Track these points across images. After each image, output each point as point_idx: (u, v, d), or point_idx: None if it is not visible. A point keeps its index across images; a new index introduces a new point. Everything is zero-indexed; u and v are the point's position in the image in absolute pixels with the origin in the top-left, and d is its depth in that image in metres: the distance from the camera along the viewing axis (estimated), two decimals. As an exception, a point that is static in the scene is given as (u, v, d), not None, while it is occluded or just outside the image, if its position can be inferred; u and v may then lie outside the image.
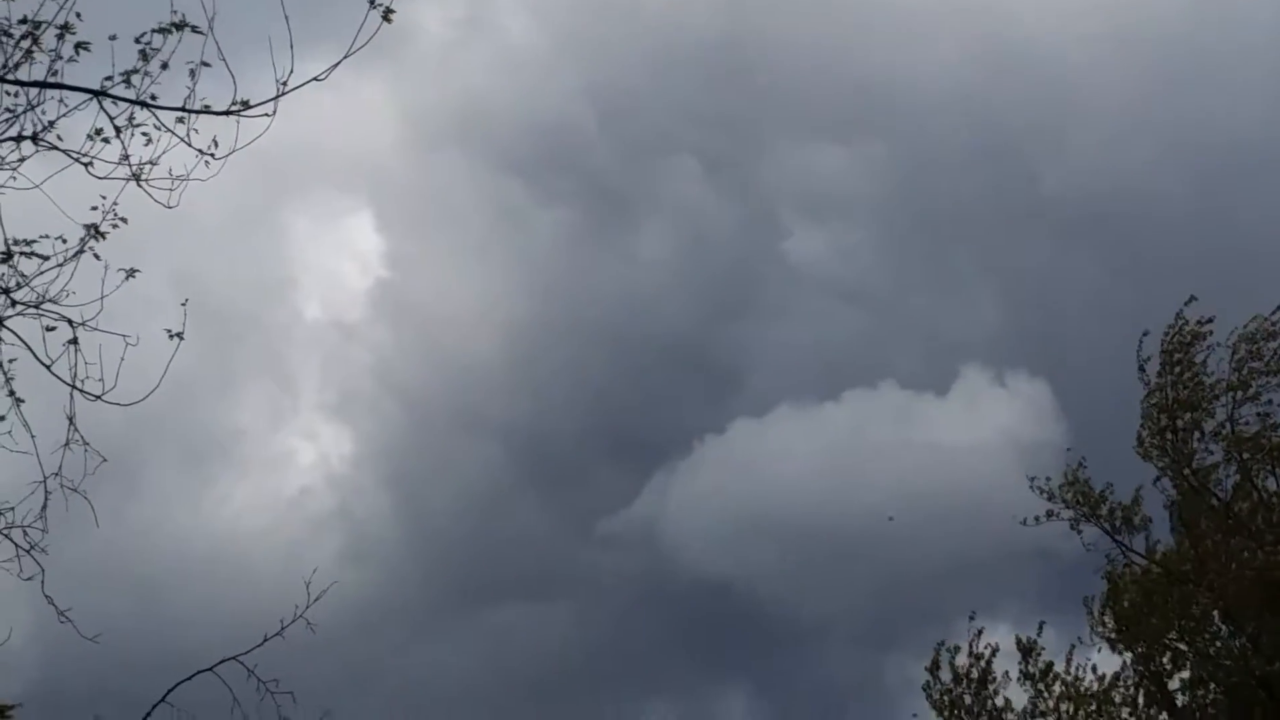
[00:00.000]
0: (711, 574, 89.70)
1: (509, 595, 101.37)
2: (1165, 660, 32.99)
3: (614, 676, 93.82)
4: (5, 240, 11.40)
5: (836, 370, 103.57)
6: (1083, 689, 33.42)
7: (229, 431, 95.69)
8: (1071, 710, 33.24)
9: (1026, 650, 33.93)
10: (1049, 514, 32.77)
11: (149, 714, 12.92)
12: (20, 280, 11.41)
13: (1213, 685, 32.44)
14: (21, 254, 11.39)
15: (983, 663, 34.13)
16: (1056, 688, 33.46)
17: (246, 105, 11.31)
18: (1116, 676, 33.44)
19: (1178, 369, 32.17)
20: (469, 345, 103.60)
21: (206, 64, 11.27)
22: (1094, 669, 33.55)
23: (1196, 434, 32.08)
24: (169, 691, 12.81)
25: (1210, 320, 32.30)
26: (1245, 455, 31.82)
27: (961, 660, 34.21)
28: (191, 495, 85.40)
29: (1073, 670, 33.69)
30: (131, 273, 11.35)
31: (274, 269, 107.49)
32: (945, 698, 33.92)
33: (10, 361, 11.44)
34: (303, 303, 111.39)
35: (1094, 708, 33.23)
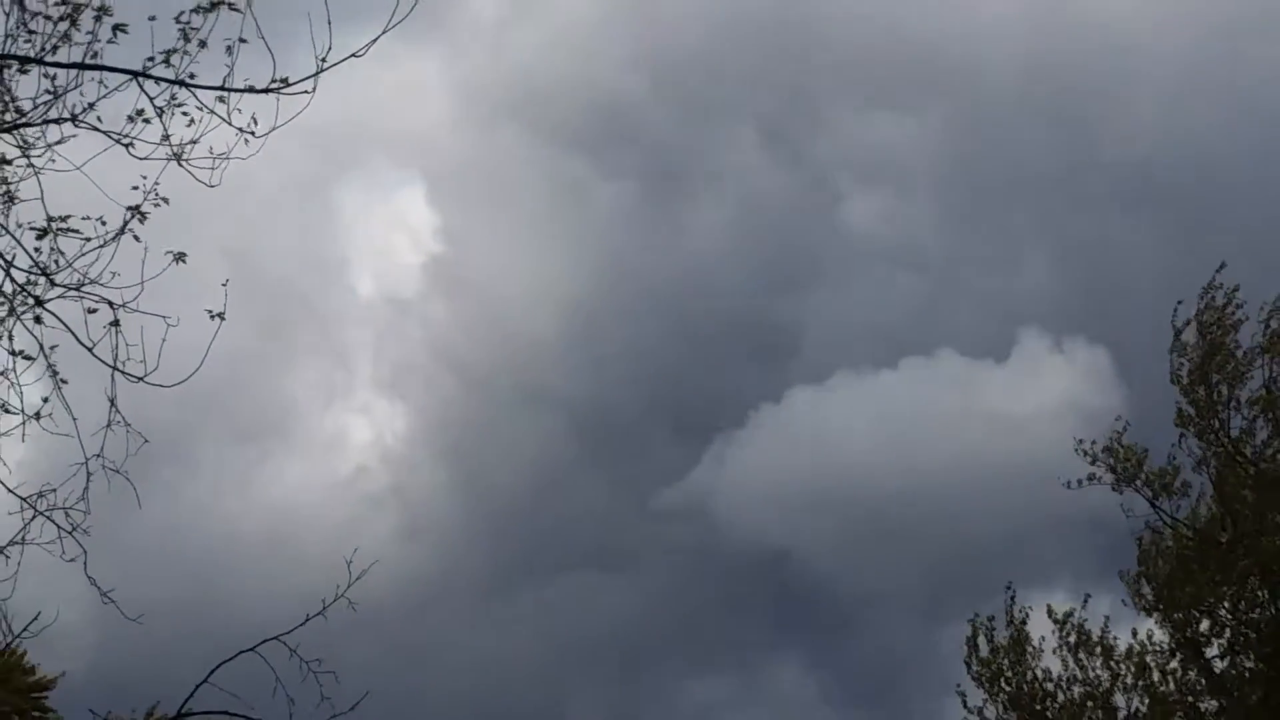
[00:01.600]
0: (766, 545, 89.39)
1: (565, 570, 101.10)
2: (1202, 627, 32.90)
3: (668, 650, 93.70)
4: (45, 218, 11.40)
5: (894, 338, 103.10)
6: (1118, 654, 33.34)
7: (282, 409, 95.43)
8: (1109, 677, 33.17)
9: (1062, 621, 33.85)
10: (1091, 477, 32.97)
11: (192, 694, 12.91)
12: (60, 261, 11.39)
13: (1252, 653, 32.36)
14: (59, 231, 11.37)
15: (1019, 633, 34.05)
16: (1097, 657, 33.36)
17: (286, 83, 11.26)
18: (1150, 638, 33.34)
19: (1212, 336, 32.20)
20: (525, 320, 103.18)
21: (244, 40, 11.23)
22: (1133, 633, 33.49)
23: (1233, 402, 32.13)
24: (211, 672, 12.82)
25: (1236, 289, 32.32)
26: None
27: (1000, 632, 34.14)
28: (244, 474, 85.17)
29: (1109, 639, 33.58)
30: (180, 257, 11.31)
31: (327, 245, 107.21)
32: (984, 670, 33.85)
33: (53, 348, 11.43)
34: (356, 279, 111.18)
35: (1131, 671, 33.14)
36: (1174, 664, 33.13)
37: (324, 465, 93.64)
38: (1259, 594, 32.44)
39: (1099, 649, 33.44)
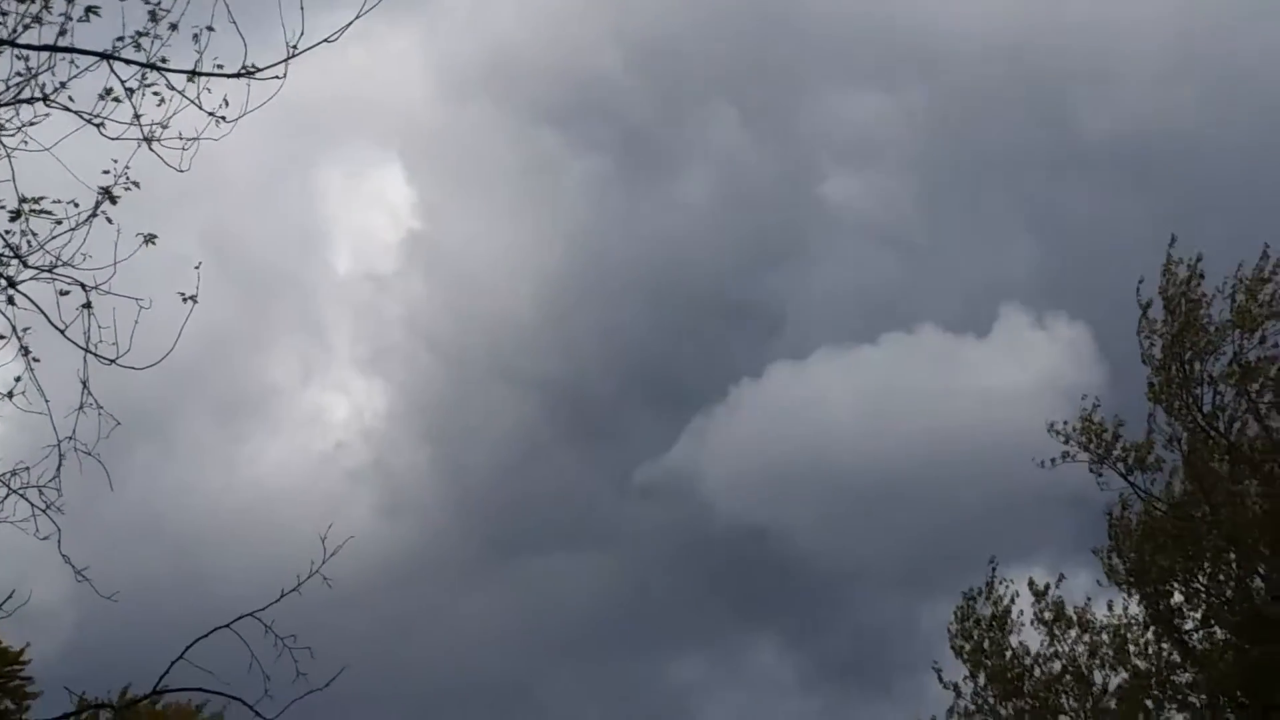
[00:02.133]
0: (747, 521, 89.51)
1: (545, 547, 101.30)
2: (1176, 600, 33.11)
3: (648, 626, 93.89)
4: (17, 199, 11.44)
5: (875, 314, 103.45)
6: (1097, 626, 33.58)
7: (262, 388, 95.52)
8: (1086, 650, 33.38)
9: (1040, 594, 34.08)
10: (1064, 455, 33.19)
11: (166, 671, 12.98)
12: (33, 243, 11.44)
13: (1224, 626, 32.58)
14: (31, 212, 11.41)
15: (1000, 608, 34.27)
16: (1072, 632, 33.58)
17: (255, 69, 11.30)
18: (1125, 611, 33.58)
19: (1179, 314, 32.35)
20: (502, 296, 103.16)
21: (211, 29, 11.27)
22: (1109, 606, 33.75)
23: (1206, 376, 32.29)
24: (186, 649, 12.86)
25: (1199, 259, 32.48)
26: (1252, 390, 32.00)
27: (981, 606, 34.39)
28: (224, 453, 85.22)
29: (1087, 613, 33.82)
30: (150, 239, 11.36)
31: (306, 223, 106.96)
32: (965, 644, 34.07)
33: (25, 330, 11.47)
34: (334, 256, 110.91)
35: (1107, 641, 33.35)
36: (1148, 636, 33.36)
37: (303, 442, 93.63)
38: (1231, 567, 32.64)
39: (1075, 624, 33.66)
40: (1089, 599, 34.08)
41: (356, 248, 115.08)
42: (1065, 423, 33.48)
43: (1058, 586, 34.28)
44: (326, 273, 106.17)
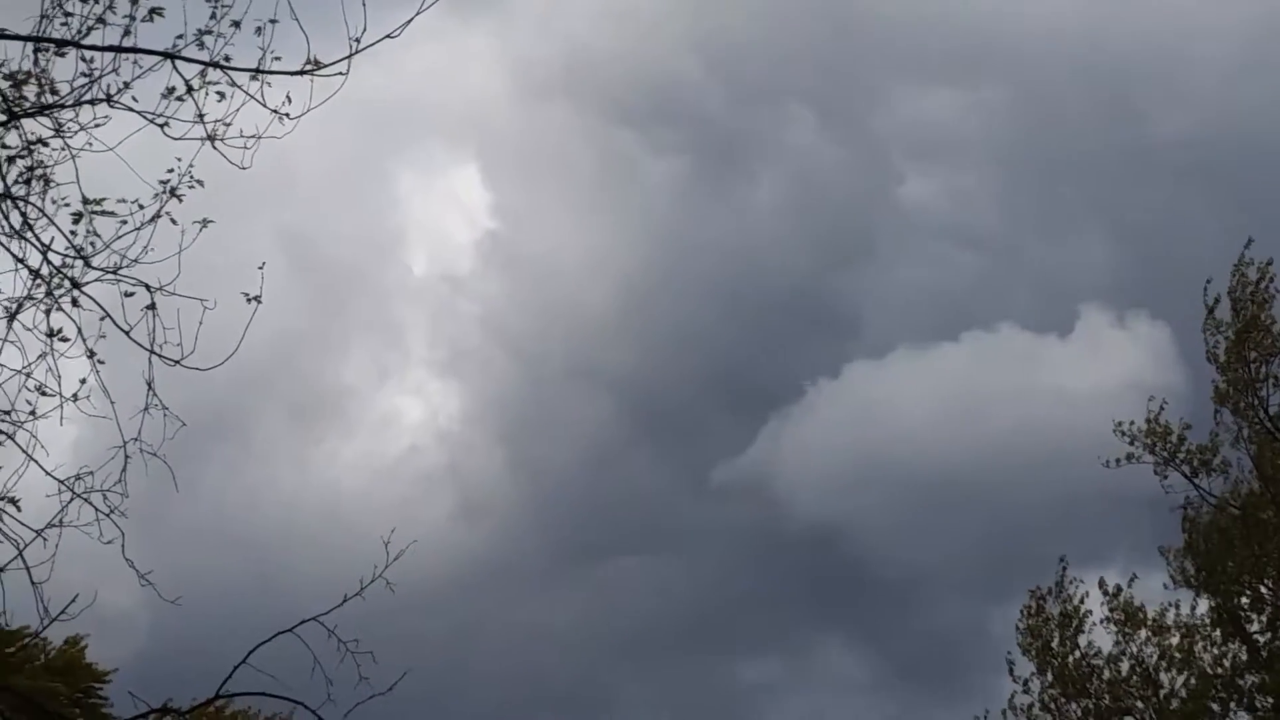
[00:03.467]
0: (822, 521, 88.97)
1: (620, 549, 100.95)
2: (1244, 602, 32.87)
3: (720, 628, 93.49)
4: (81, 200, 11.43)
5: (953, 313, 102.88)
6: (1165, 625, 33.35)
7: (336, 390, 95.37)
8: (1156, 652, 33.15)
9: (1112, 595, 33.87)
10: (1129, 457, 33.04)
11: (229, 676, 12.93)
12: (97, 244, 11.41)
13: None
14: (94, 213, 11.39)
15: (1069, 607, 34.08)
16: (1142, 633, 33.35)
17: (319, 65, 11.24)
18: (1194, 611, 33.34)
19: (1246, 314, 32.17)
20: (579, 297, 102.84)
21: (274, 20, 11.22)
22: (1175, 606, 33.53)
23: (1270, 378, 32.09)
24: (249, 653, 12.81)
25: (1270, 263, 32.27)
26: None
27: (1051, 605, 34.22)
28: (298, 455, 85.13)
29: (1156, 613, 33.60)
30: (206, 223, 11.31)
31: (381, 224, 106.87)
32: (1034, 641, 33.87)
33: (101, 337, 11.44)
34: (410, 257, 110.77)
35: (1175, 644, 33.12)
36: (1215, 636, 33.12)
37: (378, 445, 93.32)
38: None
39: (1145, 624, 33.43)
40: (1163, 604, 33.82)
41: (432, 249, 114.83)
42: (1131, 423, 33.34)
43: (1130, 586, 34.05)
44: (402, 274, 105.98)
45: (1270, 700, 32.31)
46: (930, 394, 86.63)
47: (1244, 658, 32.81)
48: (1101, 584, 34.13)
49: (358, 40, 11.09)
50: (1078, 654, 33.64)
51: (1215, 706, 32.61)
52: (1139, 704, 33.01)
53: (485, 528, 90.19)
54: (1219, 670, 32.79)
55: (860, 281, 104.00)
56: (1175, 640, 33.16)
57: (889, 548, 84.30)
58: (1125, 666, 33.37)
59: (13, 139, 11.43)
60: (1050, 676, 33.60)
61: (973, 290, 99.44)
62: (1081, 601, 34.19)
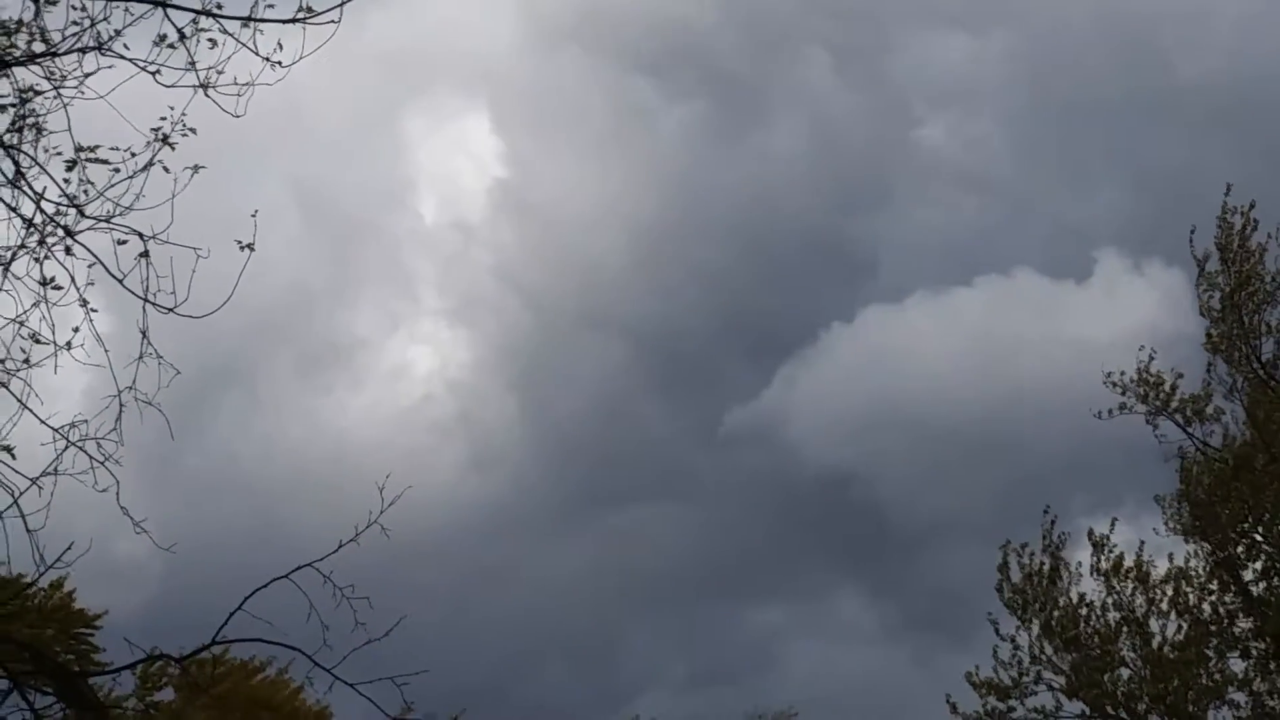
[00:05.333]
0: (835, 468, 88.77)
1: (633, 497, 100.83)
2: (1239, 550, 32.88)
3: (733, 575, 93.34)
4: (74, 149, 11.43)
5: (970, 258, 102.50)
6: (1153, 578, 33.31)
7: (348, 339, 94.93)
8: (1145, 601, 33.13)
9: (1099, 544, 33.80)
10: (1121, 407, 33.00)
11: (225, 623, 12.99)
12: (90, 192, 11.42)
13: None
14: (89, 161, 11.40)
15: (1051, 560, 33.98)
16: (1129, 583, 33.33)
17: (311, 12, 11.24)
18: (1187, 562, 33.29)
19: (1236, 261, 32.08)
20: (594, 244, 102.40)
21: (267, -33, 11.21)
22: (1170, 558, 33.47)
23: (1263, 326, 32.03)
24: (244, 600, 12.87)
25: (1252, 206, 32.17)
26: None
27: (1033, 559, 34.04)
28: (309, 405, 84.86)
29: (1144, 563, 33.56)
30: (197, 168, 11.32)
31: (391, 172, 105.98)
32: (1017, 597, 33.82)
33: (89, 284, 11.46)
34: (421, 206, 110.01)
35: (1169, 594, 33.08)
36: (1212, 586, 33.12)
37: (389, 395, 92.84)
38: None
39: (1134, 574, 33.43)
40: (1143, 543, 33.72)
41: (443, 197, 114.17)
42: (1122, 373, 33.28)
43: (1112, 530, 33.91)
44: (413, 222, 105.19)
45: (1264, 646, 32.38)
46: (947, 339, 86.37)
47: (1238, 606, 32.84)
48: (1091, 535, 34.05)
49: (348, -13, 11.10)
50: (1062, 603, 33.54)
51: (1210, 653, 32.64)
52: (1131, 652, 33.03)
53: (497, 477, 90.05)
54: (1214, 617, 32.82)
55: (876, 226, 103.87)
56: (1169, 593, 33.12)
57: (903, 495, 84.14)
58: (1113, 617, 33.32)
59: (4, 87, 11.46)
60: (1037, 629, 33.54)
61: (989, 235, 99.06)
62: (1060, 547, 33.98)
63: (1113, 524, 33.99)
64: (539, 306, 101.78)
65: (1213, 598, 32.97)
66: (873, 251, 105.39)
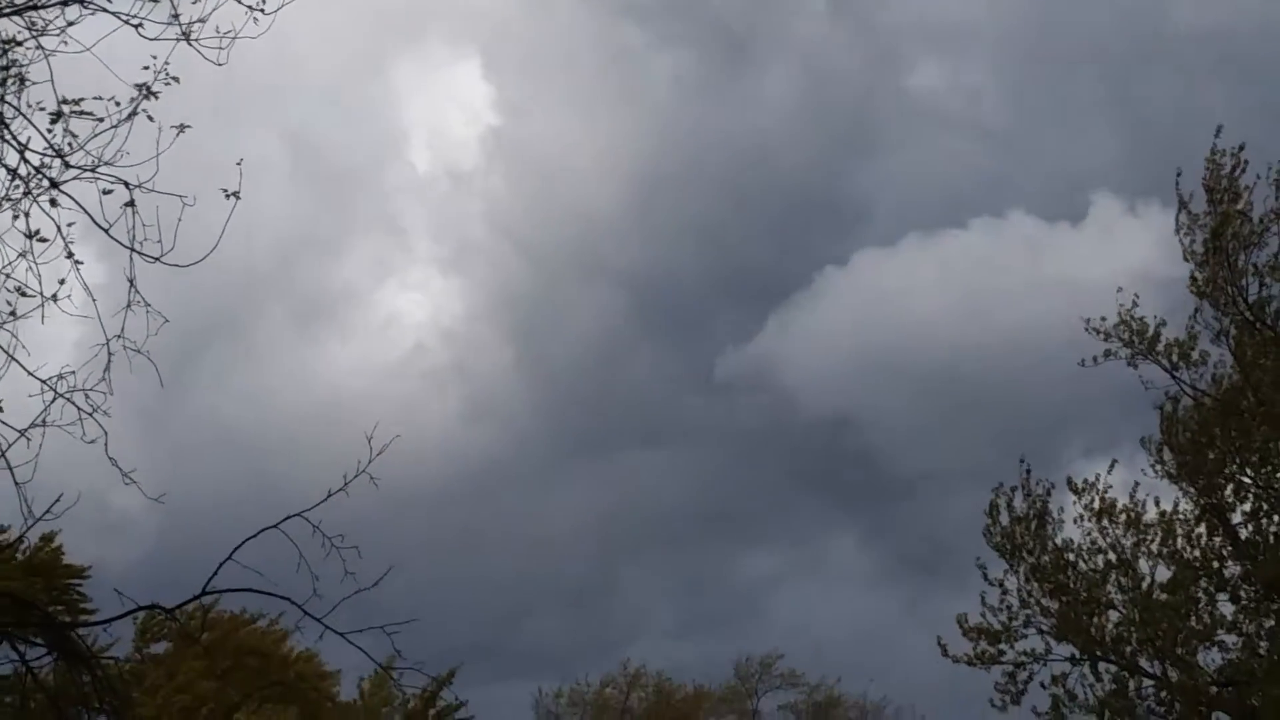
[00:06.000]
0: (829, 413, 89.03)
1: (628, 444, 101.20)
2: (1227, 493, 32.90)
3: (726, 522, 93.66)
4: (56, 101, 11.40)
5: (964, 201, 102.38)
6: (1144, 521, 33.32)
7: (341, 288, 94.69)
8: (1134, 542, 33.17)
9: (1080, 490, 33.80)
10: (1106, 354, 32.87)
11: (215, 573, 13.02)
12: (74, 143, 11.39)
13: (1276, 518, 32.43)
14: (73, 113, 11.38)
15: (1039, 504, 34.02)
16: (1119, 523, 33.32)
17: (291, -39, 11.22)
18: (1175, 508, 33.31)
19: (1223, 202, 31.95)
20: (587, 192, 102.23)
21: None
22: (1156, 502, 33.48)
23: (1250, 268, 31.93)
24: (234, 550, 12.90)
25: (1241, 148, 32.02)
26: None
27: (1020, 503, 34.09)
28: (301, 356, 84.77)
29: (1135, 505, 33.59)
30: (183, 128, 11.30)
31: (382, 122, 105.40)
32: (1005, 541, 33.87)
33: (69, 224, 11.44)
34: (413, 154, 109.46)
35: (1158, 538, 33.13)
36: (1199, 530, 33.15)
37: (381, 345, 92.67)
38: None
39: (1123, 516, 33.47)
40: (1136, 484, 33.65)
41: (434, 146, 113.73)
42: (1103, 319, 33.10)
43: (1110, 473, 33.91)
44: (405, 171, 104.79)
45: (1255, 590, 32.47)
46: (940, 282, 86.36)
47: (1227, 549, 32.89)
48: (1070, 481, 34.07)
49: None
50: (1050, 548, 33.60)
51: (1200, 595, 32.72)
52: (1118, 595, 33.14)
53: (491, 426, 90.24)
54: (1200, 559, 32.88)
55: (870, 170, 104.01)
56: (1157, 536, 33.17)
57: (897, 440, 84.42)
58: (1101, 560, 33.38)
59: (-12, 38, 11.41)
60: (1024, 575, 33.63)
61: (983, 179, 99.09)
62: (1048, 494, 34.03)
63: (1111, 465, 34.04)
64: (532, 255, 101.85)
65: (1202, 542, 33.02)
66: (866, 196, 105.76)
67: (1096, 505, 33.60)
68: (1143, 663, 32.83)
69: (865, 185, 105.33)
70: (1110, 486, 33.76)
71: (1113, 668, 32.79)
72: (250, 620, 48.67)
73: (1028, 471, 34.24)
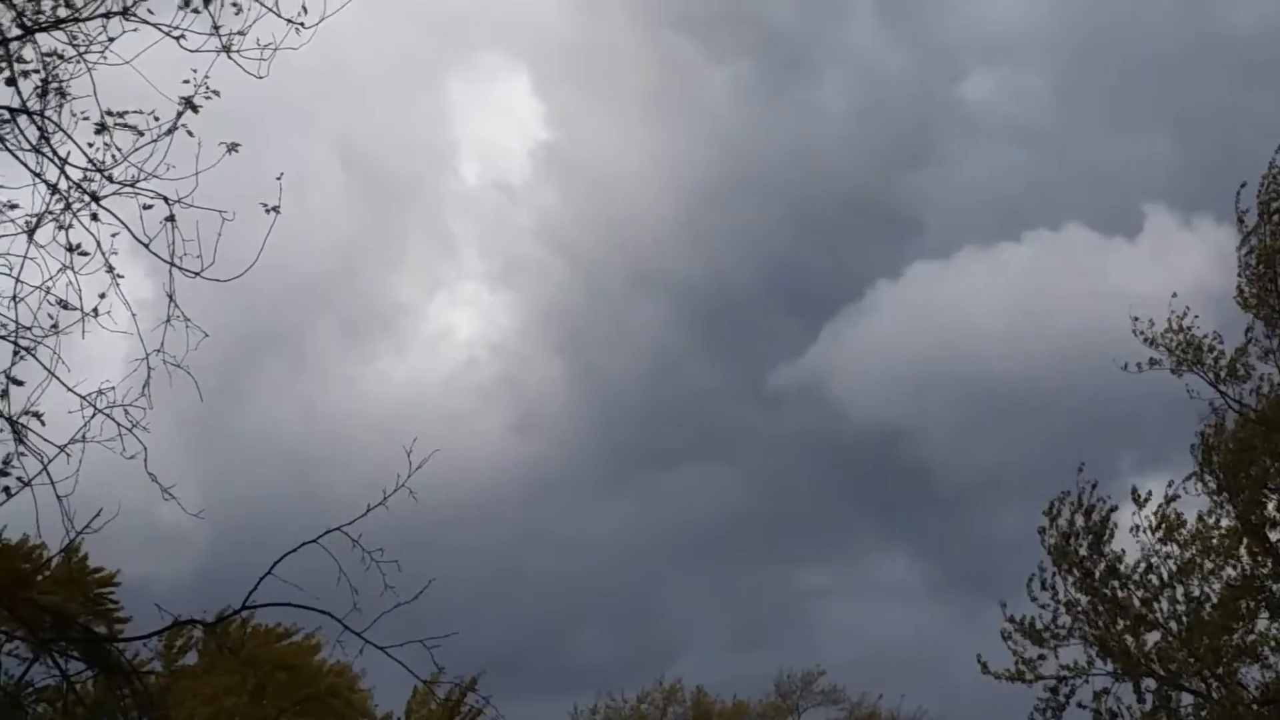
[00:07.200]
0: (881, 426, 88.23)
1: (678, 457, 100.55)
2: (1270, 510, 32.58)
3: (775, 537, 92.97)
4: (101, 113, 11.40)
5: (1018, 213, 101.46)
6: (1184, 536, 33.01)
7: (391, 301, 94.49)
8: (1186, 561, 32.80)
9: (1142, 502, 33.35)
10: (1151, 361, 32.55)
11: (255, 588, 13.00)
12: (116, 157, 11.38)
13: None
14: (116, 124, 11.37)
15: (1095, 516, 33.61)
16: (1172, 546, 32.91)
17: (330, -25, 11.22)
18: (1218, 522, 32.97)
19: (1276, 217, 31.67)
20: (638, 204, 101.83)
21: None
22: (1198, 517, 33.12)
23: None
24: (273, 565, 12.87)
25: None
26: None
27: (1076, 514, 33.65)
28: (352, 371, 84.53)
29: (1173, 520, 33.24)
30: (233, 147, 11.29)
31: (433, 135, 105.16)
32: (1062, 543, 33.36)
33: (112, 252, 11.42)
34: (463, 167, 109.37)
35: (1194, 551, 32.81)
36: (1239, 551, 32.81)
37: (432, 358, 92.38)
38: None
39: (1177, 533, 33.03)
40: (1175, 496, 33.27)
41: (485, 159, 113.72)
42: (1151, 323, 32.88)
43: (1170, 491, 33.45)
44: (455, 184, 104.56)
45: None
46: (995, 296, 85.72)
47: (1266, 569, 32.54)
48: (1134, 493, 33.62)
49: (372, -51, 11.06)
50: (1104, 563, 33.21)
51: (1243, 612, 32.37)
52: (1167, 608, 32.76)
53: (541, 440, 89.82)
54: (1246, 576, 32.53)
55: (923, 182, 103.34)
56: (1208, 544, 32.78)
57: (949, 453, 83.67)
58: (1154, 578, 32.95)
59: (29, 53, 11.42)
60: (1073, 583, 33.22)
61: (1038, 190, 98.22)
62: (1112, 510, 33.60)
63: (1170, 486, 33.46)
64: (583, 267, 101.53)
65: (1243, 559, 32.68)
66: (920, 208, 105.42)
67: (1155, 521, 33.10)
68: (1184, 680, 32.50)
69: (919, 197, 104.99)
70: (1177, 497, 33.26)
71: (1154, 684, 32.44)
72: (285, 633, 48.63)
73: (1092, 485, 33.64)
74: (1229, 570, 32.60)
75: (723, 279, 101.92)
